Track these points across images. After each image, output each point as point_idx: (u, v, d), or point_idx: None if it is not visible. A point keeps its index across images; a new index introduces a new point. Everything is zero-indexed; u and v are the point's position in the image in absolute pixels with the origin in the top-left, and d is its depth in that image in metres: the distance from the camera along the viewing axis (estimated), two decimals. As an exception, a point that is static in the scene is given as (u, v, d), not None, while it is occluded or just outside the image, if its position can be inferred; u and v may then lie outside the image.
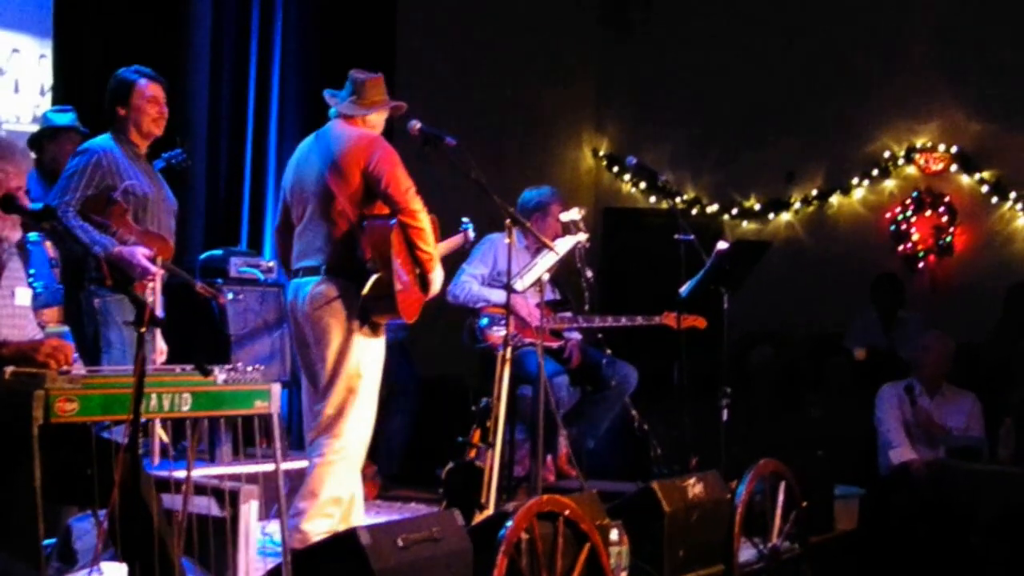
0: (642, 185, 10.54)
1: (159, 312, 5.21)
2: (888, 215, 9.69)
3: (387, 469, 6.93)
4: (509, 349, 5.20)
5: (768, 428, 7.47)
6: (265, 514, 4.81)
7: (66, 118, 5.89)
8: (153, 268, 4.57)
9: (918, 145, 9.59)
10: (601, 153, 10.75)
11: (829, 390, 8.32)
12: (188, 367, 3.64)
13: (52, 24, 6.74)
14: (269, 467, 4.06)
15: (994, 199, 9.36)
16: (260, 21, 7.73)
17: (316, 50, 7.82)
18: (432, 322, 7.16)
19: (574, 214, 6.17)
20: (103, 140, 4.97)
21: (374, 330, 4.89)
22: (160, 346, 5.06)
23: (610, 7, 10.68)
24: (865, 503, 6.73)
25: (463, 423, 5.52)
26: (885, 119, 9.68)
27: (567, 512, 4.29)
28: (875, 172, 9.73)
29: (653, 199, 10.48)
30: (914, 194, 9.58)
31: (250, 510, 4.40)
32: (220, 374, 3.71)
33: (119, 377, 3.55)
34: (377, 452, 6.79)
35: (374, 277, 4.74)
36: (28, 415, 3.22)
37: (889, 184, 9.72)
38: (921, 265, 9.56)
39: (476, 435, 5.27)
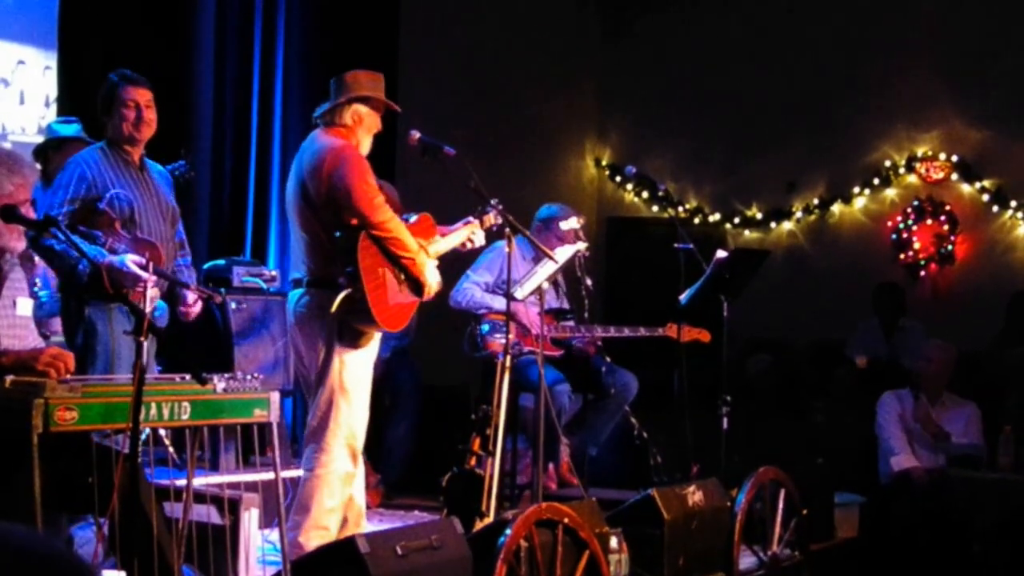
0: (644, 194, 10.55)
1: (161, 321, 5.25)
2: (889, 224, 9.70)
3: (390, 477, 6.93)
4: (509, 357, 5.22)
5: (768, 436, 7.47)
6: (266, 522, 4.83)
7: (71, 129, 5.87)
8: (144, 275, 4.55)
9: (919, 154, 9.60)
10: (604, 162, 10.75)
11: (830, 398, 8.33)
12: (187, 376, 3.67)
13: (57, 36, 6.78)
14: (269, 476, 4.07)
15: (995, 208, 9.37)
16: (263, 32, 7.76)
17: (320, 62, 7.82)
18: (436, 331, 7.22)
19: (574, 223, 6.18)
20: (89, 151, 4.94)
21: (356, 340, 4.81)
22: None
23: (612, 17, 10.71)
24: (865, 511, 6.74)
25: (466, 431, 5.51)
26: (886, 128, 9.68)
27: (566, 520, 4.31)
28: (876, 181, 9.74)
29: (655, 208, 10.48)
30: (915, 203, 9.59)
31: (250, 518, 4.43)
32: (219, 383, 3.73)
33: (119, 386, 3.57)
34: (380, 460, 6.82)
35: (342, 294, 4.65)
36: (28, 424, 3.25)
37: (890, 193, 9.73)
38: (922, 273, 9.57)
39: (476, 443, 5.27)
